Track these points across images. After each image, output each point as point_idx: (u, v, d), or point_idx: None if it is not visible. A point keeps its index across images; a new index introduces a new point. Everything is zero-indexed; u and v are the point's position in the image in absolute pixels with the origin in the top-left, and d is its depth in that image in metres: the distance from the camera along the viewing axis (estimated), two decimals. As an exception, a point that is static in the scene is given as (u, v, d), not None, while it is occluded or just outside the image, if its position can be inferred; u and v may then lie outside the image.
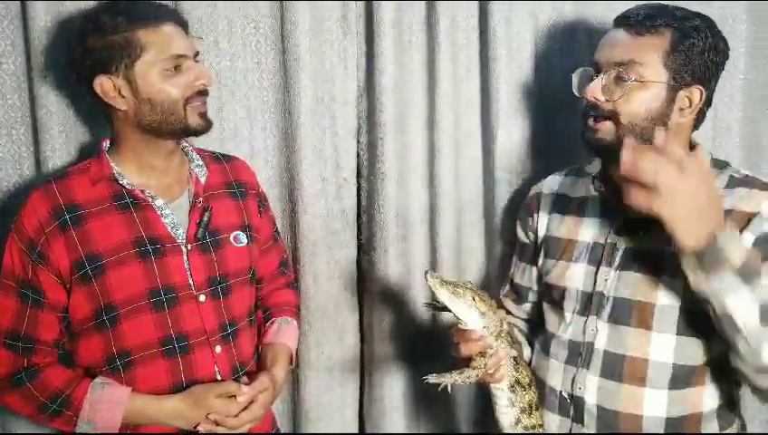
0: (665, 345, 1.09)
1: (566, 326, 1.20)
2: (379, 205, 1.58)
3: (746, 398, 1.19)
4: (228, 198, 1.31)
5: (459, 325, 1.06)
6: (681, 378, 1.09)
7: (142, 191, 1.20)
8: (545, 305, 1.28)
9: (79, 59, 1.16)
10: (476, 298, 1.03)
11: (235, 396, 1.17)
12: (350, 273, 1.63)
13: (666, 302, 1.09)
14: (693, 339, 1.09)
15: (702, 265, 0.91)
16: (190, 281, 1.20)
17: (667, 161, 0.88)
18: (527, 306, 1.37)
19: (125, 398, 1.15)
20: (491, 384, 1.10)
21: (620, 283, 1.14)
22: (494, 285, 1.58)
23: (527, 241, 1.35)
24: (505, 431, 1.12)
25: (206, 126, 1.22)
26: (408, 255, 1.61)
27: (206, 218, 1.23)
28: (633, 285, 1.12)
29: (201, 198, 1.25)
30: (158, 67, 1.14)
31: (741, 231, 1.04)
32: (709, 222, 0.91)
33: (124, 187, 1.19)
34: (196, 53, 1.22)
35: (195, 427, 1.17)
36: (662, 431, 1.10)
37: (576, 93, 1.20)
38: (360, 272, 1.64)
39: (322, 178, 1.56)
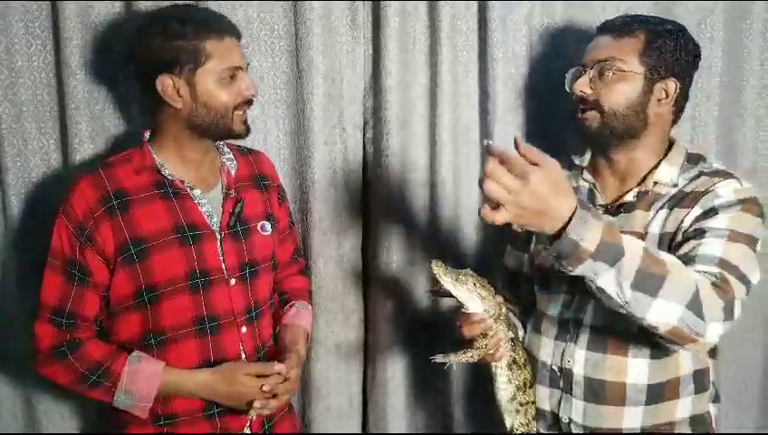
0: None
1: (556, 305, 1.28)
2: (383, 196, 1.66)
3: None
4: (255, 190, 1.39)
5: (462, 310, 1.14)
6: (661, 346, 1.14)
7: (182, 181, 1.29)
8: (536, 288, 1.34)
9: (143, 56, 1.24)
10: (477, 284, 1.12)
11: (262, 376, 1.26)
12: (356, 259, 1.70)
13: None
14: None
15: (562, 254, 0.94)
16: (223, 266, 1.29)
17: (504, 173, 0.88)
18: (520, 291, 1.43)
19: (160, 370, 1.24)
20: (491, 363, 1.18)
21: None
22: (491, 272, 1.59)
23: (519, 229, 1.40)
24: (502, 406, 1.20)
25: (246, 132, 1.31)
26: (409, 243, 1.68)
27: (238, 209, 1.32)
28: None
29: (233, 189, 1.34)
30: (217, 75, 1.23)
31: (691, 207, 1.15)
32: (557, 219, 0.92)
33: (165, 177, 1.28)
34: (247, 65, 1.31)
35: (248, 409, 1.24)
36: (644, 397, 1.19)
37: (567, 90, 1.31)
38: (365, 258, 1.71)
39: (332, 169, 1.64)
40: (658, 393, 1.19)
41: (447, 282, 1.09)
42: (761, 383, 1.83)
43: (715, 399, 1.28)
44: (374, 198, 1.69)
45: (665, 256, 1.03)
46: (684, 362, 1.20)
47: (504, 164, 0.88)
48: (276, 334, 1.43)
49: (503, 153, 0.89)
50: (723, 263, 1.07)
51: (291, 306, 1.45)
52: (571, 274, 0.97)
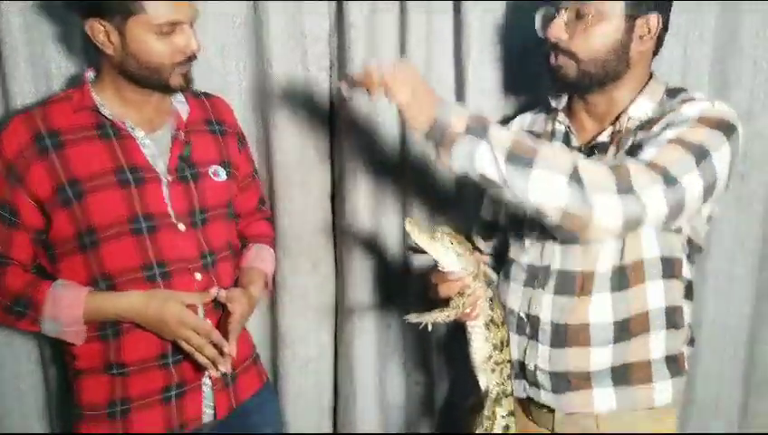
0: (608, 253, 1.14)
1: (526, 252, 1.24)
2: (350, 144, 1.59)
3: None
4: (208, 135, 1.33)
5: (438, 268, 1.09)
6: (623, 279, 1.13)
7: (123, 122, 1.23)
8: (509, 235, 1.31)
9: None
10: (453, 241, 1.07)
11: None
12: (325, 206, 1.64)
13: None
14: (634, 239, 1.13)
15: (437, 142, 0.99)
16: (170, 211, 1.24)
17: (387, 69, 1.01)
18: (494, 242, 1.41)
19: (83, 295, 1.19)
20: (467, 322, 1.14)
21: None
22: (466, 224, 1.55)
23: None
24: (477, 367, 1.17)
25: (186, 85, 1.24)
26: (379, 190, 1.62)
27: (186, 152, 1.26)
28: None
29: (182, 132, 1.28)
30: (151, 28, 1.15)
31: (652, 128, 1.10)
32: (428, 107, 1.01)
33: (105, 117, 1.22)
34: (193, 18, 1.22)
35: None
36: (610, 335, 1.15)
37: (539, 34, 1.21)
38: (333, 205, 1.66)
39: (297, 114, 1.56)
40: (625, 329, 1.15)
41: (422, 240, 1.04)
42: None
43: (690, 342, 1.25)
44: (342, 143, 1.61)
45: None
46: (652, 298, 1.16)
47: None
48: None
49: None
50: (648, 164, 1.02)
51: (249, 248, 1.41)
52: (454, 169, 1.00)
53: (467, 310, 1.09)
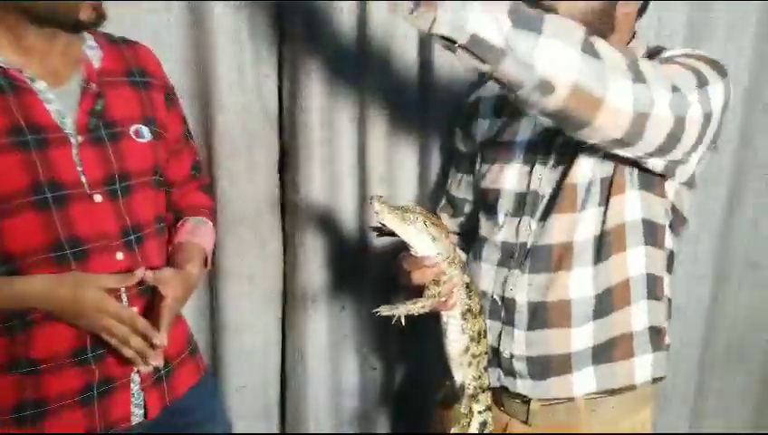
0: (588, 221, 1.10)
1: (499, 229, 1.19)
2: (301, 105, 1.46)
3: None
4: (128, 87, 1.17)
5: (410, 253, 1.01)
6: (603, 248, 1.09)
7: (20, 71, 1.04)
8: (480, 213, 1.25)
9: None
10: (428, 223, 0.99)
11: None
12: (272, 177, 1.54)
13: (587, 181, 1.10)
14: (616, 198, 1.09)
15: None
16: (82, 178, 1.07)
17: None
18: (462, 219, 1.36)
19: None
20: (441, 312, 1.07)
21: (554, 179, 1.13)
22: (429, 199, 1.54)
23: (465, 150, 1.32)
24: (452, 360, 1.10)
25: (98, 20, 1.07)
26: (334, 159, 1.52)
27: (98, 106, 1.09)
28: (563, 180, 1.11)
29: (93, 84, 1.11)
30: None
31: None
32: None
33: None
34: None
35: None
36: (591, 310, 1.11)
37: None
38: (282, 177, 1.56)
39: (240, 69, 1.42)
40: (606, 302, 1.11)
41: (392, 221, 0.96)
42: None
43: (668, 316, 1.22)
44: (294, 102, 1.48)
45: None
46: (633, 265, 1.12)
47: None
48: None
49: None
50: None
51: (184, 222, 1.26)
52: (435, 30, 0.82)
53: (443, 299, 1.02)
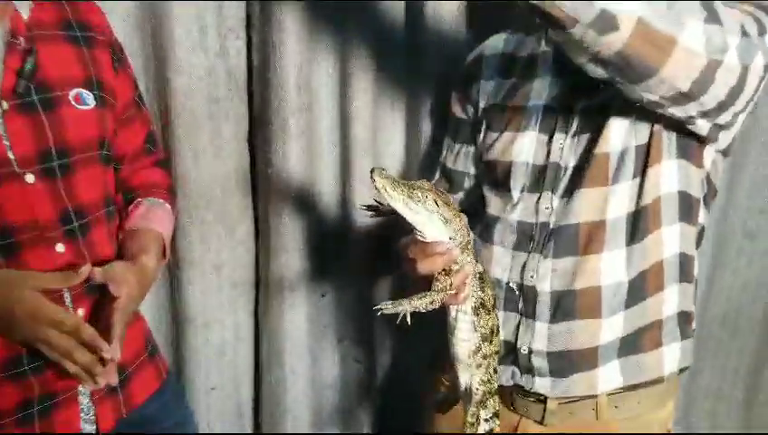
0: (622, 195, 1.02)
1: (513, 207, 1.09)
2: (275, 65, 1.34)
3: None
4: (66, 43, 1.02)
5: (417, 237, 0.91)
6: (639, 226, 1.01)
7: None
8: (486, 188, 1.16)
9: None
10: (439, 202, 0.89)
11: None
12: (241, 151, 1.43)
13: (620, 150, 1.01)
14: (653, 169, 1.02)
15: None
16: (9, 154, 0.93)
17: None
18: (461, 196, 1.26)
19: None
20: (450, 307, 0.98)
21: (579, 149, 1.03)
22: (416, 172, 1.46)
23: (464, 117, 1.22)
24: (460, 362, 1.00)
25: None
26: (312, 129, 1.41)
27: (29, 65, 0.94)
28: (591, 149, 1.02)
29: (21, 38, 0.95)
30: None
31: None
32: None
33: None
34: None
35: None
36: (623, 298, 1.03)
37: None
38: (252, 151, 1.45)
39: (200, 26, 1.30)
40: (640, 287, 1.04)
41: (397, 200, 0.86)
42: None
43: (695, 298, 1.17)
44: (265, 61, 1.36)
45: None
46: (668, 244, 1.04)
47: None
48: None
49: None
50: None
51: (137, 205, 1.15)
52: None
53: (454, 291, 0.93)
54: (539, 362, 1.06)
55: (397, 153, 1.46)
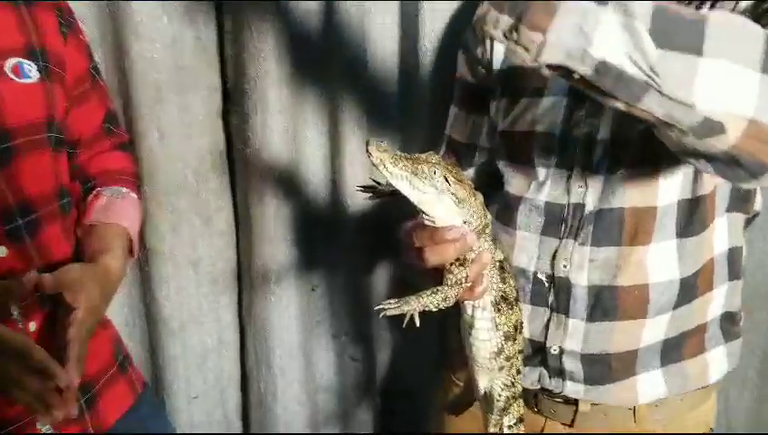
0: (676, 178, 0.91)
1: (539, 186, 0.98)
2: (251, 29, 1.24)
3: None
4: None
5: (424, 220, 0.80)
6: (694, 215, 0.92)
7: None
8: (503, 164, 1.04)
9: None
10: (450, 178, 0.78)
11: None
12: (214, 129, 1.33)
13: None
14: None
15: (517, 12, 0.62)
16: None
17: None
18: (470, 172, 1.16)
19: None
20: (465, 303, 0.86)
21: (619, 116, 0.90)
22: (416, 145, 1.35)
23: (473, 80, 1.09)
24: (479, 365, 0.90)
25: None
26: (296, 102, 1.29)
27: None
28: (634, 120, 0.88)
29: None
30: None
31: None
32: None
33: None
34: None
35: None
36: (673, 298, 0.93)
37: None
38: (227, 128, 1.35)
39: None
40: (691, 287, 0.95)
41: (399, 177, 0.75)
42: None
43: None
44: (239, 29, 1.25)
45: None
46: (719, 236, 0.97)
47: None
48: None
49: None
50: None
51: (96, 196, 1.03)
52: (545, 59, 0.62)
53: (469, 284, 0.82)
54: (571, 365, 0.97)
55: (395, 127, 1.36)
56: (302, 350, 1.48)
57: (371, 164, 0.72)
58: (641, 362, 0.96)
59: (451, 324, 1.02)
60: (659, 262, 0.93)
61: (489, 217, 0.83)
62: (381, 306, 0.78)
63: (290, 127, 1.31)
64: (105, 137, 1.08)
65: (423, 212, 0.78)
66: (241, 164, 1.36)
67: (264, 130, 1.30)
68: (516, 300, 0.89)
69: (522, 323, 0.91)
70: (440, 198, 0.77)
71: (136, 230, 1.04)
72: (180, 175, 1.30)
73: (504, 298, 0.86)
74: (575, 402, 0.99)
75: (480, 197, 0.82)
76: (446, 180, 0.77)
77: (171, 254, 1.35)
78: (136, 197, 1.07)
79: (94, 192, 1.03)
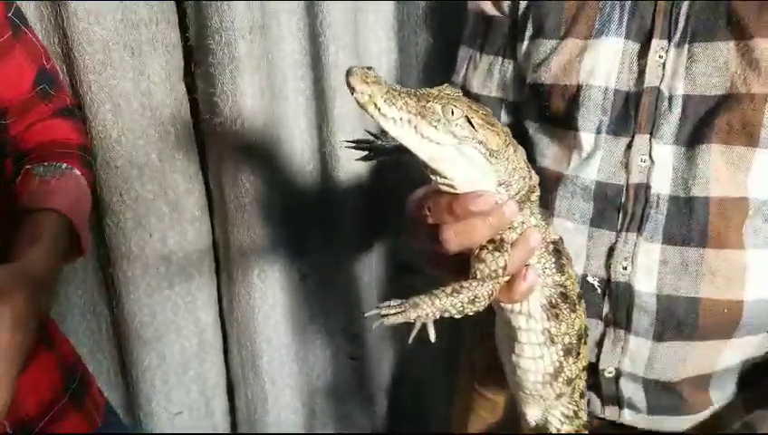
0: None
1: (586, 159, 0.79)
2: None
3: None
4: None
5: (440, 186, 0.58)
6: None
7: None
8: (535, 127, 0.86)
9: None
10: (476, 121, 0.55)
11: None
12: (177, 95, 1.17)
13: None
14: None
15: None
16: None
17: None
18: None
19: None
20: (501, 305, 0.64)
21: (696, 67, 0.72)
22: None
23: (497, 13, 0.89)
24: (528, 392, 0.69)
25: None
26: (272, 60, 1.15)
27: None
28: (721, 70, 0.71)
29: None
30: None
31: None
32: None
33: None
34: None
35: None
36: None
37: None
38: (193, 91, 1.21)
39: None
40: None
41: (399, 122, 0.53)
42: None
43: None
44: None
45: None
46: None
47: None
48: None
49: None
50: None
51: (26, 175, 0.85)
52: None
53: (507, 278, 0.60)
54: (631, 391, 0.81)
55: (388, 67, 1.21)
56: (293, 351, 1.37)
57: (357, 104, 0.52)
58: (714, 385, 0.80)
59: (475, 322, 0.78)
60: (758, 271, 0.74)
61: (536, 178, 0.61)
62: (376, 311, 0.56)
63: (265, 88, 1.16)
64: (40, 101, 0.89)
65: (437, 173, 0.57)
66: (210, 137, 1.21)
67: (235, 94, 1.14)
68: (580, 298, 0.68)
69: (587, 328, 0.71)
70: (461, 151, 0.55)
71: (83, 215, 0.85)
72: (140, 153, 1.14)
73: (564, 296, 0.65)
74: (633, 429, 0.85)
75: (522, 150, 0.60)
76: (470, 123, 0.54)
77: (137, 250, 1.19)
78: (79, 174, 0.87)
79: (23, 171, 0.83)
